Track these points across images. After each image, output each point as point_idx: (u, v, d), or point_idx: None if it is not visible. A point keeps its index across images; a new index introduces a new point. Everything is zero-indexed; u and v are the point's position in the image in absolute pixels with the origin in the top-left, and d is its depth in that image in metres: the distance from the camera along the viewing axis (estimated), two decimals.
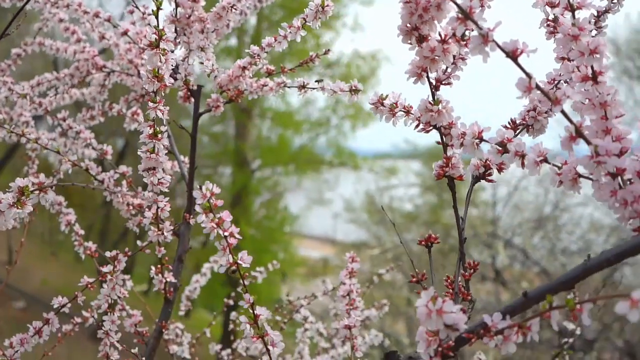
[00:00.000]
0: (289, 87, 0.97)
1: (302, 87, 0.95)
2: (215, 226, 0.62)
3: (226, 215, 0.63)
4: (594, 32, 0.72)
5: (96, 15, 1.10)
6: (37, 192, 0.66)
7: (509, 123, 0.69)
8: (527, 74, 0.51)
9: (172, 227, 0.91)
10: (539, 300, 0.51)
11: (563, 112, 0.51)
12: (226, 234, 0.62)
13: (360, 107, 12.02)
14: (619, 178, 0.51)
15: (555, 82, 0.69)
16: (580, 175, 0.54)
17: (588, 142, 0.51)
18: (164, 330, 0.98)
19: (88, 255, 1.06)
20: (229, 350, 1.46)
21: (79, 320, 1.15)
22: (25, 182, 0.66)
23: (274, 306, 1.31)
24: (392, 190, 10.21)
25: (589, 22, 0.72)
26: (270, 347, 0.64)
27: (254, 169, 11.83)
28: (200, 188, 0.61)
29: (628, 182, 0.52)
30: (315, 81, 0.98)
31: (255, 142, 11.99)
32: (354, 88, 0.82)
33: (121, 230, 8.83)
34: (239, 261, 0.63)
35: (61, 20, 1.20)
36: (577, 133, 0.51)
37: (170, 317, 1.00)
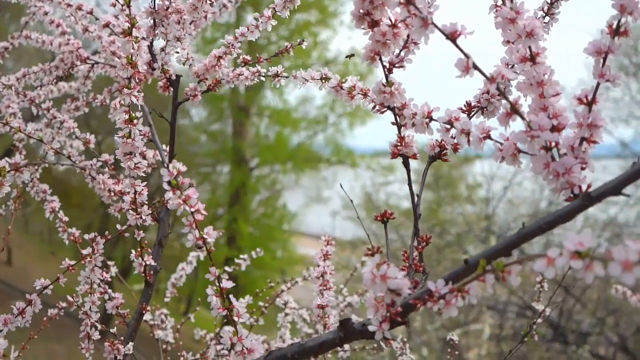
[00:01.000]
0: (263, 76, 1.00)
1: (276, 75, 0.99)
2: (182, 202, 0.65)
3: (192, 193, 0.66)
4: (547, 19, 0.76)
5: (79, 8, 1.13)
6: (12, 172, 0.70)
7: (464, 105, 0.73)
8: (466, 55, 0.54)
9: (150, 211, 0.94)
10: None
11: (499, 89, 0.55)
12: (193, 209, 0.65)
13: (358, 105, 12.05)
14: (552, 151, 0.54)
15: (509, 66, 0.73)
16: (520, 151, 0.57)
17: (523, 118, 0.54)
18: (144, 311, 1.01)
19: (72, 240, 1.10)
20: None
21: (63, 304, 1.19)
22: (1, 163, 0.69)
23: (255, 291, 1.35)
24: (388, 186, 10.23)
25: (542, 8, 0.75)
26: (235, 319, 0.68)
27: (252, 167, 11.87)
28: (168, 167, 0.64)
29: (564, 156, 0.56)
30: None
31: (253, 140, 12.03)
32: (324, 76, 0.86)
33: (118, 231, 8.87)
34: (204, 236, 0.66)
35: (46, 13, 1.23)
36: (513, 109, 0.55)
37: (150, 300, 1.03)
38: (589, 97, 0.55)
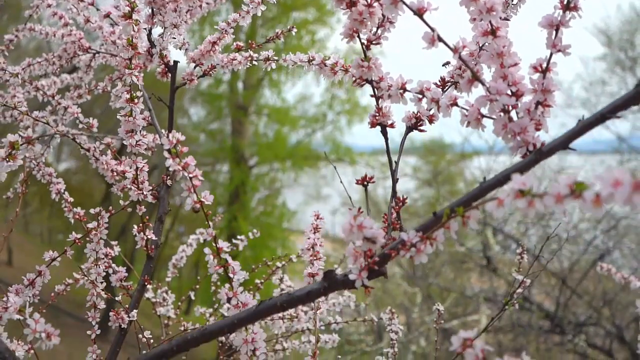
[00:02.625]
0: (256, 60, 1.07)
1: (267, 59, 1.05)
2: (181, 169, 0.72)
3: (191, 160, 0.73)
4: (515, 1, 0.82)
5: (81, 0, 1.20)
6: (25, 144, 0.76)
7: (439, 80, 0.79)
8: (431, 28, 0.60)
9: (151, 187, 1.01)
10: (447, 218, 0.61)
11: (461, 58, 0.61)
12: (191, 175, 0.72)
13: (356, 102, 12.12)
14: (511, 114, 0.61)
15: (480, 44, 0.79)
16: (482, 115, 0.64)
17: (483, 84, 0.61)
18: (146, 283, 1.08)
19: (77, 219, 1.16)
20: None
21: (70, 280, 1.26)
22: (14, 137, 0.76)
23: (251, 267, 1.41)
24: (387, 181, 10.28)
25: None
26: (231, 275, 0.74)
27: (251, 166, 11.93)
28: (168, 136, 0.71)
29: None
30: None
31: (252, 138, 12.09)
32: (309, 59, 0.92)
33: (119, 228, 8.95)
34: (202, 199, 0.73)
35: (49, 6, 1.29)
36: (474, 77, 0.61)
37: (151, 273, 1.10)
38: (544, 66, 0.62)
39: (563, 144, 0.57)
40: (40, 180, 1.23)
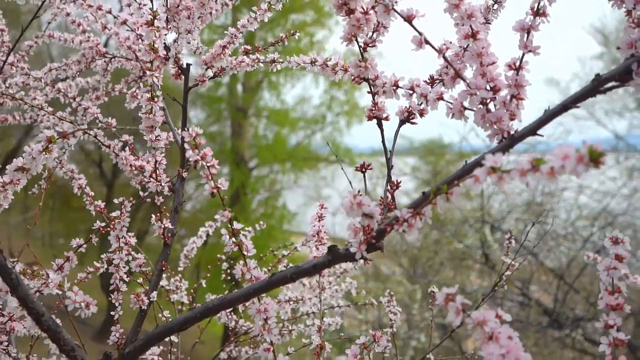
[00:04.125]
0: (262, 62, 1.16)
1: (273, 61, 1.15)
2: (200, 158, 0.81)
3: (208, 151, 0.82)
4: (495, 6, 0.92)
5: (99, 8, 1.29)
6: (61, 138, 0.85)
7: (428, 78, 0.89)
8: (419, 33, 0.70)
9: (168, 179, 1.10)
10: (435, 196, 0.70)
11: (445, 58, 0.71)
12: (209, 164, 0.81)
13: (355, 103, 12.24)
14: (489, 106, 0.71)
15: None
16: (465, 108, 0.74)
17: (464, 80, 0.70)
18: (163, 268, 1.17)
19: (98, 212, 1.26)
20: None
21: (91, 269, 1.35)
22: (51, 132, 0.85)
23: (259, 256, 1.50)
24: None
25: None
26: (245, 253, 0.84)
27: (251, 168, 12.02)
28: (188, 129, 0.80)
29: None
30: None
31: (252, 141, 12.18)
32: (312, 60, 1.01)
33: None
34: (218, 185, 0.82)
35: (68, 14, 1.39)
36: (456, 74, 0.71)
37: (168, 259, 1.19)
38: (517, 64, 0.71)
39: (532, 131, 0.66)
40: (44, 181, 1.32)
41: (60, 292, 0.83)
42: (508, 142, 0.67)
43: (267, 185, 12.35)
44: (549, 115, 0.65)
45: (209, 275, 1.64)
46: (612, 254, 0.70)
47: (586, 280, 6.66)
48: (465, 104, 0.74)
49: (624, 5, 0.66)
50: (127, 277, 1.11)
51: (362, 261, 0.78)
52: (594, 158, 0.47)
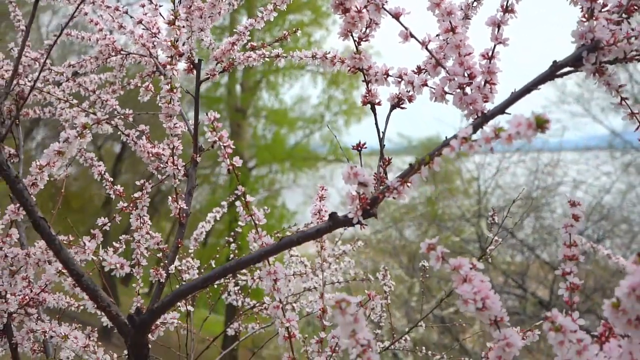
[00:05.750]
0: (267, 57, 1.29)
1: (277, 56, 1.27)
2: (217, 139, 0.93)
3: (224, 133, 0.94)
4: (475, 4, 1.03)
5: (116, 9, 1.41)
6: (95, 125, 0.97)
7: (416, 68, 1.01)
8: (405, 28, 0.82)
9: (184, 164, 1.22)
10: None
11: (427, 49, 0.83)
12: (225, 144, 0.93)
13: (354, 102, 12.36)
14: (466, 90, 0.83)
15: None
16: (445, 92, 0.86)
17: (444, 68, 0.82)
18: (179, 245, 1.29)
19: (117, 195, 1.37)
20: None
21: (111, 249, 1.47)
22: (85, 119, 0.97)
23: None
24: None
25: None
26: (256, 222, 0.96)
27: (250, 168, 12.12)
28: (207, 114, 0.92)
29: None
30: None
31: (251, 141, 12.29)
32: (313, 54, 1.13)
33: (121, 233, 9.17)
34: (234, 162, 0.94)
35: (86, 14, 1.51)
36: (437, 63, 0.83)
37: (183, 237, 1.31)
38: (489, 54, 0.84)
39: (500, 110, 0.78)
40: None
41: (95, 258, 0.94)
42: (481, 119, 0.79)
43: (267, 184, 12.45)
44: (515, 97, 0.78)
45: (217, 256, 1.76)
46: (570, 214, 0.82)
47: (581, 274, 6.80)
48: (446, 88, 0.86)
49: (579, 3, 0.77)
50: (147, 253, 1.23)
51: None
52: (540, 124, 0.59)
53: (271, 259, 0.94)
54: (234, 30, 1.24)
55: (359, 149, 0.97)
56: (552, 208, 7.35)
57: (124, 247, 1.35)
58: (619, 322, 0.58)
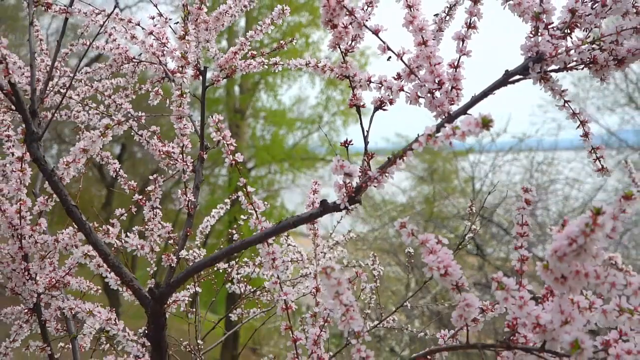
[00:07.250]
0: (266, 65, 1.43)
1: (276, 63, 1.42)
2: (221, 138, 1.08)
3: (228, 132, 1.09)
4: (447, 18, 1.18)
5: (129, 20, 1.56)
6: (116, 125, 1.12)
7: (396, 74, 1.16)
8: (383, 42, 0.97)
9: (192, 160, 1.37)
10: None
11: (402, 60, 0.97)
12: (228, 142, 1.08)
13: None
14: (436, 94, 0.97)
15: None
16: (419, 96, 1.00)
17: (416, 76, 0.97)
18: (188, 234, 1.44)
19: (131, 190, 1.52)
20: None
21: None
22: (107, 121, 1.12)
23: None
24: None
25: (444, 10, 1.18)
26: (256, 209, 1.11)
27: (249, 168, 12.26)
28: (212, 116, 1.07)
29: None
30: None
31: (250, 141, 12.43)
32: (307, 63, 1.28)
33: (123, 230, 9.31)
34: (236, 158, 1.09)
35: (101, 25, 1.65)
36: (410, 72, 0.98)
37: (191, 226, 1.46)
38: (455, 64, 0.98)
39: (463, 111, 0.93)
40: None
41: (119, 243, 1.09)
42: (447, 119, 0.94)
43: (266, 185, 12.58)
44: (474, 100, 0.92)
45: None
46: (523, 199, 0.97)
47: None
48: (419, 93, 1.00)
49: (522, 19, 0.92)
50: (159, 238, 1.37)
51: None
52: (485, 123, 0.73)
53: (270, 241, 1.09)
54: (236, 40, 1.39)
55: (347, 145, 1.12)
56: (546, 205, 7.51)
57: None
58: (549, 280, 0.72)
